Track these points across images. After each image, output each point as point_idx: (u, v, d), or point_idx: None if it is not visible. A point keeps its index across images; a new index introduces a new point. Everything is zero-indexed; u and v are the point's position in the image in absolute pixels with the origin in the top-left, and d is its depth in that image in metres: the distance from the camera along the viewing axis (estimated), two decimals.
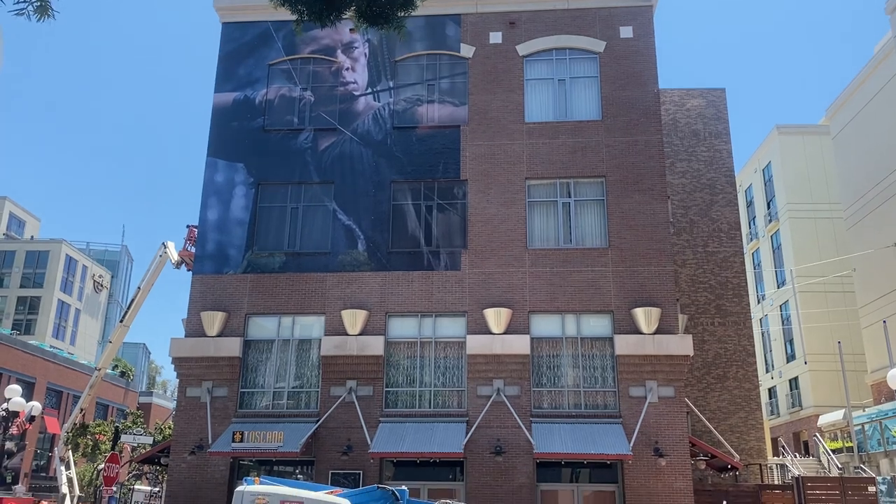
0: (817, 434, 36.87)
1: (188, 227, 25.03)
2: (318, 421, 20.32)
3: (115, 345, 27.22)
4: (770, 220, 47.02)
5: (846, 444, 33.74)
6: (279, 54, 24.22)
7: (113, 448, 21.90)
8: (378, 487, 12.41)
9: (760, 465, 27.93)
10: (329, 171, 22.83)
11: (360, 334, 20.94)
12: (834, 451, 32.88)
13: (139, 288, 26.35)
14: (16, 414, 20.86)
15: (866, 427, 32.54)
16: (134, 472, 39.73)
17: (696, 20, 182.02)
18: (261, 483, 11.96)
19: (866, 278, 36.54)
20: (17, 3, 6.86)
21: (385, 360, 20.92)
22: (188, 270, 23.99)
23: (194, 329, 21.62)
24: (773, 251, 47.04)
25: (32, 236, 70.64)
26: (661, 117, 23.15)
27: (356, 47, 24.02)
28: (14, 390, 21.25)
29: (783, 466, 31.09)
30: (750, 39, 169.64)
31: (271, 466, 20.68)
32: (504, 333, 20.54)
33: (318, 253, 22.12)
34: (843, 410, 33.88)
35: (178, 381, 21.82)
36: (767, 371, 47.21)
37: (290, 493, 11.63)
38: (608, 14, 23.52)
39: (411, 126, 23.03)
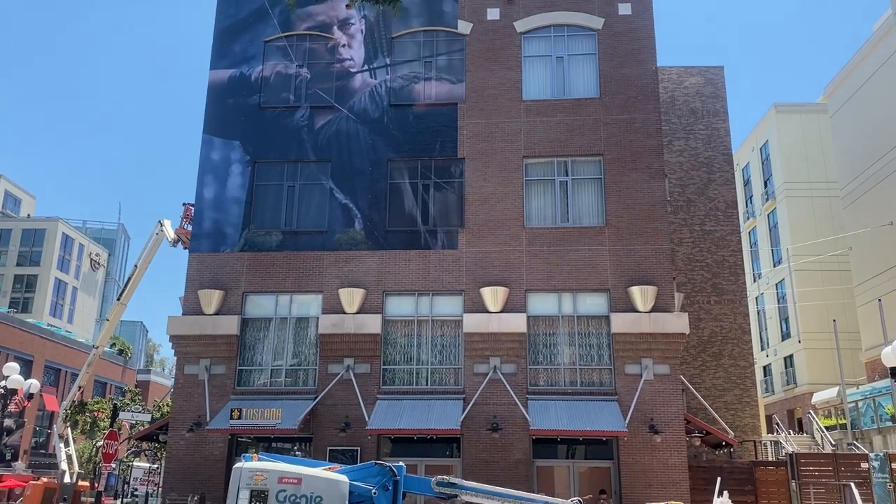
0: (811, 411, 37.16)
1: (185, 205, 24.99)
2: (315, 398, 20.43)
3: (113, 323, 27.28)
4: (767, 199, 47.02)
5: (840, 422, 34.03)
6: (275, 31, 24.01)
7: (111, 425, 22.01)
8: (376, 463, 12.47)
9: (755, 441, 28.18)
10: (325, 149, 22.74)
11: (357, 313, 20.99)
12: (828, 428, 33.16)
13: (136, 266, 26.37)
14: (14, 391, 20.93)
15: (860, 404, 32.81)
16: (133, 450, 39.99)
17: None
18: (259, 460, 12.01)
19: (862, 257, 36.64)
20: None
21: (382, 338, 20.99)
22: (185, 249, 23.99)
23: (192, 307, 21.65)
24: (770, 230, 47.10)
25: (29, 214, 70.43)
26: (659, 95, 23.05)
27: (352, 24, 23.81)
28: (12, 368, 21.31)
29: (777, 443, 31.35)
30: (748, 17, 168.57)
31: (269, 443, 20.82)
32: (501, 312, 20.60)
33: (315, 231, 22.10)
34: (838, 388, 34.16)
35: (175, 358, 21.90)
36: (763, 349, 47.47)
37: (289, 469, 11.69)
38: None
39: (408, 104, 22.90)
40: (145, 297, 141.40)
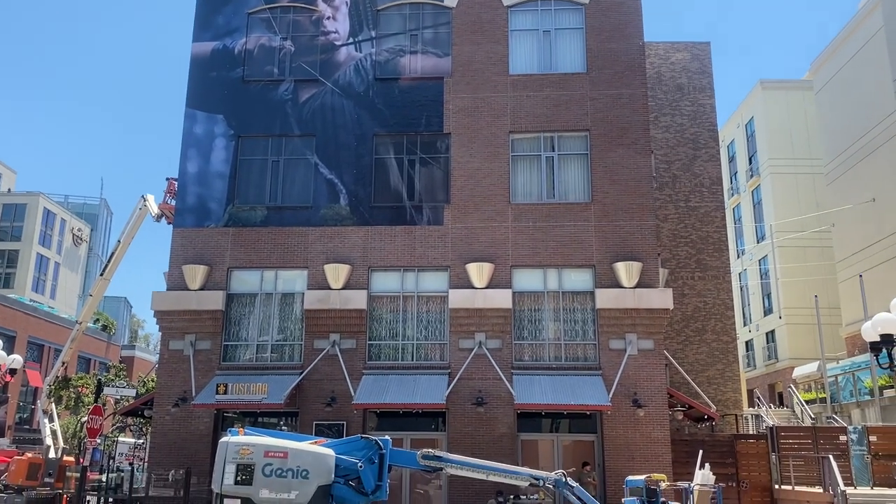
0: (792, 386, 37.71)
1: (168, 179, 24.74)
2: (301, 373, 20.45)
3: (96, 298, 27.07)
4: (752, 176, 47.23)
5: (820, 396, 34.56)
6: (258, 2, 23.66)
7: (96, 401, 21.97)
8: (362, 437, 12.56)
9: (736, 415, 28.59)
10: (310, 123, 22.54)
11: (342, 289, 20.97)
12: (808, 402, 33.69)
13: (119, 241, 26.11)
14: None
15: (839, 378, 33.31)
16: (118, 425, 39.94)
17: None
18: (245, 434, 12.05)
19: (844, 233, 36.97)
20: None
21: (368, 313, 21.00)
22: (168, 224, 23.79)
23: (176, 282, 21.54)
24: (754, 206, 47.37)
25: (9, 189, 69.47)
26: (645, 71, 22.98)
27: None
28: None
29: (758, 417, 31.86)
30: None
31: (255, 418, 20.87)
32: (486, 288, 20.65)
33: (300, 207, 21.98)
34: (818, 363, 34.62)
35: (160, 334, 21.82)
36: (745, 325, 47.98)
37: (275, 443, 11.75)
38: None
39: (394, 77, 22.70)
40: (129, 273, 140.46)
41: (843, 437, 22.37)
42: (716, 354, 29.05)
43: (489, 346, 20.41)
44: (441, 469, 12.61)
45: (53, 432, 27.29)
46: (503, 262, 20.97)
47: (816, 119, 41.77)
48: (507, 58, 22.65)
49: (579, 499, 12.33)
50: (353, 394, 19.73)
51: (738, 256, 49.15)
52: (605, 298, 20.40)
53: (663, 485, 14.88)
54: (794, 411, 33.56)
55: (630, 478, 15.37)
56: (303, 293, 21.24)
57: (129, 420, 36.07)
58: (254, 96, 22.88)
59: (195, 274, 21.34)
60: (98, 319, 53.62)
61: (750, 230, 48.02)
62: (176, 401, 20.56)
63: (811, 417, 30.90)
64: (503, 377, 19.88)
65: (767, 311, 45.36)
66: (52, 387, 29.57)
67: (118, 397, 30.15)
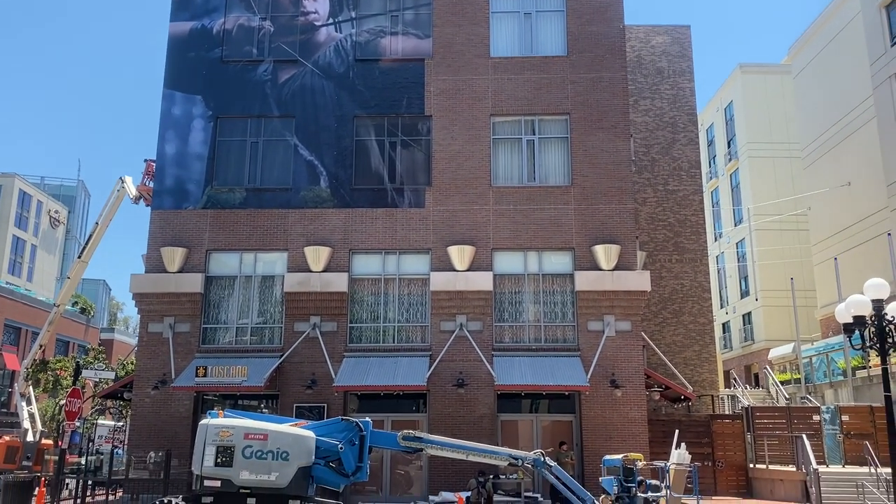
0: (767, 367, 38.29)
1: (146, 161, 24.48)
2: (281, 356, 20.46)
3: (74, 281, 26.85)
4: (730, 159, 47.57)
5: (794, 376, 35.14)
6: None
7: (74, 383, 21.82)
8: (342, 419, 12.63)
9: (712, 396, 29.02)
10: (290, 104, 22.38)
11: (323, 271, 20.95)
12: (783, 383, 34.24)
13: (97, 223, 25.88)
14: None
15: (814, 360, 33.87)
16: (97, 407, 39.75)
17: None
18: (225, 416, 12.08)
19: (820, 217, 37.43)
20: None
21: (349, 296, 21.01)
22: (147, 206, 23.57)
23: (155, 265, 21.40)
24: (732, 190, 47.75)
25: None
26: (626, 54, 23.04)
27: None
28: None
29: (734, 397, 32.35)
30: None
31: (235, 401, 20.88)
32: (467, 270, 20.73)
33: (280, 189, 21.87)
34: (793, 344, 35.17)
35: (139, 317, 21.69)
36: (722, 307, 48.54)
37: (255, 425, 11.78)
38: None
39: (374, 59, 22.57)
40: (107, 256, 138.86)
41: (816, 417, 22.83)
42: (692, 336, 29.42)
43: (470, 328, 20.52)
44: (421, 450, 12.73)
45: (31, 415, 27.14)
46: (484, 245, 21.04)
47: (794, 103, 42.09)
48: (489, 40, 22.60)
49: (557, 478, 12.52)
50: (333, 376, 19.78)
51: (716, 239, 49.61)
52: (584, 281, 20.57)
53: (640, 464, 15.13)
54: (769, 392, 34.09)
55: (607, 457, 15.61)
56: (283, 276, 21.20)
57: (109, 403, 35.95)
58: (232, 77, 22.66)
59: (174, 256, 21.21)
60: (76, 302, 53.13)
61: (728, 213, 48.45)
62: (156, 383, 20.50)
63: (786, 398, 31.42)
64: (483, 359, 20.02)
65: (744, 293, 45.91)
66: (30, 370, 29.36)
67: (97, 380, 29.97)
